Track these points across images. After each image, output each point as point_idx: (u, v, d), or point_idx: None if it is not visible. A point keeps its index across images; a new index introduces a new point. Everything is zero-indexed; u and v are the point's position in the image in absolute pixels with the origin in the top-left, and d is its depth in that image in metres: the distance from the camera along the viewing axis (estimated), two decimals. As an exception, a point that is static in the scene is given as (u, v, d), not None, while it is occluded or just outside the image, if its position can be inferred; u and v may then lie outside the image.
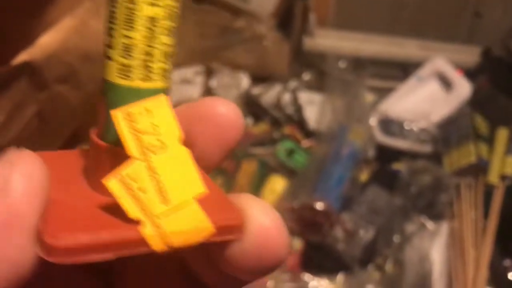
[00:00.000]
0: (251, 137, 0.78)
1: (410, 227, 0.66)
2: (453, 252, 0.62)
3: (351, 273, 0.64)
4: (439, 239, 0.64)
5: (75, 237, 0.13)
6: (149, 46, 0.14)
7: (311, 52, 0.91)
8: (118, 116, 0.14)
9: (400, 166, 0.74)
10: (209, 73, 0.85)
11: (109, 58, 0.14)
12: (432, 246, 0.64)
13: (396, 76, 0.89)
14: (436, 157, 0.75)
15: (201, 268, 0.16)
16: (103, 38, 0.15)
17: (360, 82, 0.85)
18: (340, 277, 0.64)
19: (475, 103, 0.79)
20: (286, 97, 0.84)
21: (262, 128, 0.80)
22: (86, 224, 0.13)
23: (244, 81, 0.85)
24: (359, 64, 0.88)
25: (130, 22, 0.14)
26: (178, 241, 0.14)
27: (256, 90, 0.85)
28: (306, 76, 0.89)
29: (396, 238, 0.66)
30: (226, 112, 0.16)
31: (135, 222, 0.13)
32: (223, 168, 0.72)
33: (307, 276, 0.64)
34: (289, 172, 0.74)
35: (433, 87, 0.84)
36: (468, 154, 0.70)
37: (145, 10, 0.14)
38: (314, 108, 0.82)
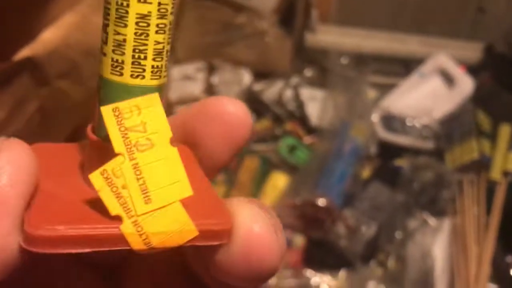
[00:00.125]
0: (253, 134, 0.78)
1: (412, 224, 0.66)
2: (456, 248, 0.62)
3: (353, 269, 0.64)
4: (441, 236, 0.64)
5: (54, 228, 0.13)
6: (141, 43, 0.14)
7: (313, 48, 0.91)
8: (106, 111, 0.14)
9: (402, 163, 0.74)
10: (210, 69, 0.85)
11: (103, 54, 0.14)
12: (434, 242, 0.64)
13: (398, 72, 0.89)
14: (438, 154, 0.75)
15: (201, 269, 0.16)
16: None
17: (362, 78, 0.85)
18: (342, 273, 0.64)
19: (478, 99, 0.78)
20: (288, 94, 0.84)
21: (264, 124, 0.80)
22: (68, 216, 0.13)
23: (246, 77, 0.85)
24: (361, 60, 0.88)
25: (121, 19, 0.14)
26: (158, 242, 0.13)
27: (258, 87, 0.85)
28: (308, 72, 0.89)
29: (398, 235, 0.66)
30: (234, 111, 0.16)
31: (117, 219, 0.13)
32: (225, 164, 0.72)
33: (309, 272, 0.64)
34: (291, 169, 0.74)
35: (435, 84, 0.84)
36: (470, 151, 0.70)
37: (135, 7, 0.14)
38: (316, 104, 0.82)
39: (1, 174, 0.13)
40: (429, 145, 0.77)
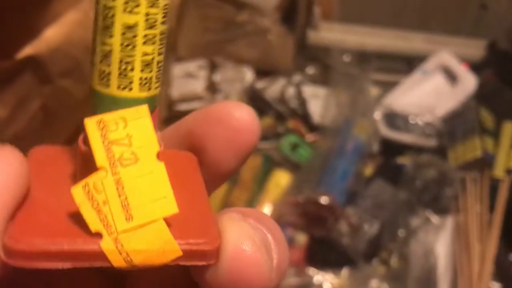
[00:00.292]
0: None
1: (415, 221, 0.66)
2: (458, 246, 0.62)
3: (356, 267, 0.64)
4: (444, 233, 0.64)
5: (33, 242, 0.12)
6: (127, 55, 0.14)
7: (315, 45, 0.91)
8: (90, 124, 0.13)
9: (405, 160, 0.74)
10: (212, 67, 0.85)
11: (92, 64, 0.14)
12: (437, 240, 0.64)
13: (401, 69, 0.88)
14: (441, 151, 0.75)
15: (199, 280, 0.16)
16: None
17: (365, 76, 0.84)
18: (344, 271, 0.64)
19: (481, 96, 0.78)
20: (290, 91, 0.84)
21: (266, 122, 0.80)
22: (51, 229, 0.13)
23: (248, 75, 0.85)
24: (364, 57, 0.88)
25: (107, 29, 0.14)
26: (139, 260, 0.13)
27: (260, 84, 0.85)
28: (310, 70, 0.89)
29: (401, 232, 0.66)
30: (241, 116, 0.15)
31: (98, 235, 0.13)
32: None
33: (311, 271, 0.64)
34: (293, 166, 0.74)
35: (438, 81, 0.83)
36: (473, 148, 0.69)
37: (121, 18, 0.13)
38: (318, 102, 0.82)
39: None
40: (432, 142, 0.77)
